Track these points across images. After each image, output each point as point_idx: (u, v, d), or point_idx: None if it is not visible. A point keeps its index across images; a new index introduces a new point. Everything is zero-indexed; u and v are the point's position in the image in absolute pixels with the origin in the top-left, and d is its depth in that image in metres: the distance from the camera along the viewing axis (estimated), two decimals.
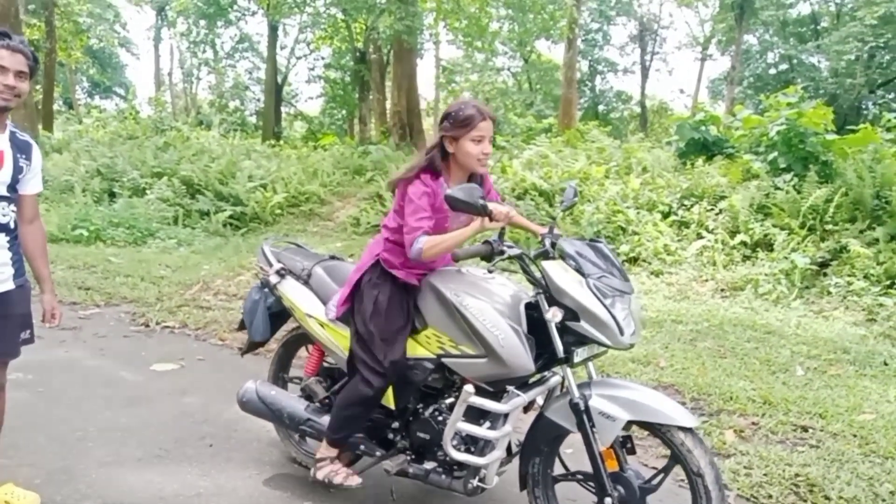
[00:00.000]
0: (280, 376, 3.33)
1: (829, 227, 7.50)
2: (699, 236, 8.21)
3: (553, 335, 2.31)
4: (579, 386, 2.35)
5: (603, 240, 2.54)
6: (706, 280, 7.43)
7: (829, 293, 6.69)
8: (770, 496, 3.03)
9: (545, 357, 2.42)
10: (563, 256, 2.37)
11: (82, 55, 30.10)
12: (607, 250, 2.44)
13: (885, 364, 4.88)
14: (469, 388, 2.40)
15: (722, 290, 7.16)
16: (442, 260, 2.73)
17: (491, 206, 2.26)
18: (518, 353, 2.34)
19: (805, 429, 3.71)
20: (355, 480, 2.69)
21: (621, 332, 2.24)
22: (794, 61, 26.24)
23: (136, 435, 3.48)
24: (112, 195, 11.83)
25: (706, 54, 31.34)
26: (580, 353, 2.37)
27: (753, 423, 3.78)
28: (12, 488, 2.72)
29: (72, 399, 3.93)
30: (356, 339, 2.60)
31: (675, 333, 5.48)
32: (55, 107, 25.86)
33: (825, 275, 7.02)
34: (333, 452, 2.74)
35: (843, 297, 6.57)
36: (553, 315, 2.30)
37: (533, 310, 2.42)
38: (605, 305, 2.24)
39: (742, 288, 7.07)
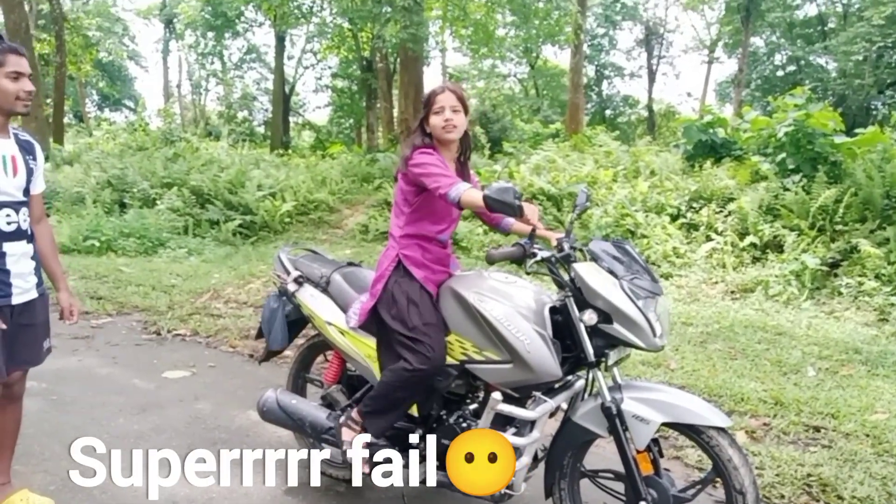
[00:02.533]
0: (301, 375, 3.30)
1: (839, 227, 7.47)
2: (708, 238, 8.20)
3: (583, 338, 2.31)
4: (609, 389, 2.33)
5: (629, 240, 2.53)
6: (716, 282, 7.41)
7: (840, 294, 6.66)
8: (782, 496, 3.02)
9: (570, 361, 2.41)
10: (595, 258, 2.37)
11: (92, 68, 30.45)
12: (634, 251, 2.43)
13: None
14: (497, 395, 2.39)
15: (732, 291, 7.14)
16: (454, 264, 2.75)
17: (525, 207, 2.27)
18: (545, 358, 2.33)
19: (817, 429, 3.70)
20: (366, 469, 2.61)
21: (654, 334, 2.24)
22: (802, 63, 26.16)
23: (149, 441, 3.50)
24: (123, 206, 11.93)
25: (713, 57, 31.35)
26: (612, 356, 2.36)
27: (765, 424, 3.77)
28: (27, 494, 2.75)
29: (85, 407, 3.97)
30: (393, 335, 2.54)
31: (686, 335, 5.47)
32: (66, 120, 26.09)
33: (836, 275, 6.99)
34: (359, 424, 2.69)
35: (854, 297, 6.54)
36: (589, 318, 2.29)
37: (556, 313, 2.42)
38: (638, 307, 2.23)
39: (752, 290, 7.05)
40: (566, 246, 2.43)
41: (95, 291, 6.89)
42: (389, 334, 2.58)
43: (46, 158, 15.99)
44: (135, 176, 12.64)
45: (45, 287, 2.64)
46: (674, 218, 8.80)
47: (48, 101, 21.37)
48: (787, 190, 8.11)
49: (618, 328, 2.26)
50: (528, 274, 2.44)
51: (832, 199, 7.63)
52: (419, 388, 2.54)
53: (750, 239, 7.83)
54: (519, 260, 2.38)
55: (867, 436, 3.58)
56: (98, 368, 4.74)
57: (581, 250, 2.51)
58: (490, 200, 2.24)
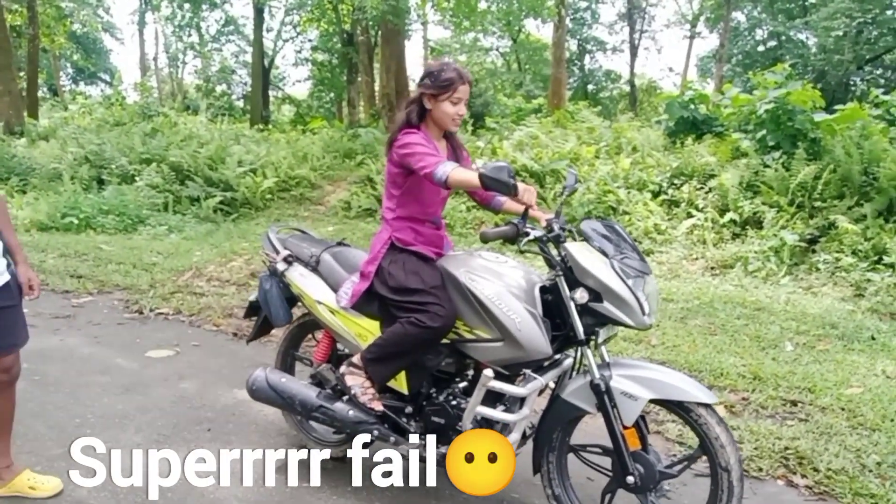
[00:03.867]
0: (290, 353, 3.31)
1: (818, 203, 7.56)
2: (689, 215, 8.27)
3: (574, 317, 2.35)
4: (597, 367, 2.37)
5: (616, 220, 2.56)
6: (696, 258, 7.50)
7: (818, 269, 6.77)
8: (760, 469, 3.10)
9: (559, 339, 2.45)
10: (586, 238, 2.40)
11: (66, 41, 29.72)
12: (622, 230, 2.47)
13: (873, 338, 4.96)
14: (489, 372, 2.42)
15: (712, 268, 7.23)
16: (447, 245, 2.76)
17: (520, 186, 2.28)
18: (535, 336, 2.37)
19: (794, 403, 3.78)
20: (378, 406, 2.66)
21: (643, 312, 2.27)
22: (783, 38, 26.17)
23: (134, 421, 3.50)
24: (101, 182, 11.75)
25: (695, 32, 31.24)
26: (602, 334, 2.40)
27: (744, 399, 3.85)
28: (31, 474, 2.76)
29: (69, 387, 3.95)
30: (399, 306, 2.54)
31: (666, 311, 5.53)
32: (40, 93, 25.53)
33: (814, 251, 7.09)
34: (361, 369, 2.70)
35: (832, 273, 6.65)
36: (580, 297, 2.32)
37: (545, 292, 2.45)
38: (628, 286, 2.27)
39: (732, 266, 7.14)
40: (556, 226, 2.46)
41: (75, 270, 6.82)
42: (393, 309, 2.58)
43: (21, 134, 15.71)
44: (113, 152, 12.43)
45: (13, 269, 2.60)
46: (655, 194, 8.85)
47: (21, 74, 20.87)
48: (767, 167, 8.18)
49: (608, 307, 2.29)
50: (521, 252, 2.46)
51: (811, 175, 7.71)
52: (428, 346, 2.53)
53: (730, 215, 7.90)
54: (512, 239, 2.40)
55: (842, 409, 3.67)
56: (81, 348, 4.72)
57: (570, 231, 2.54)
58: (486, 179, 2.24)
